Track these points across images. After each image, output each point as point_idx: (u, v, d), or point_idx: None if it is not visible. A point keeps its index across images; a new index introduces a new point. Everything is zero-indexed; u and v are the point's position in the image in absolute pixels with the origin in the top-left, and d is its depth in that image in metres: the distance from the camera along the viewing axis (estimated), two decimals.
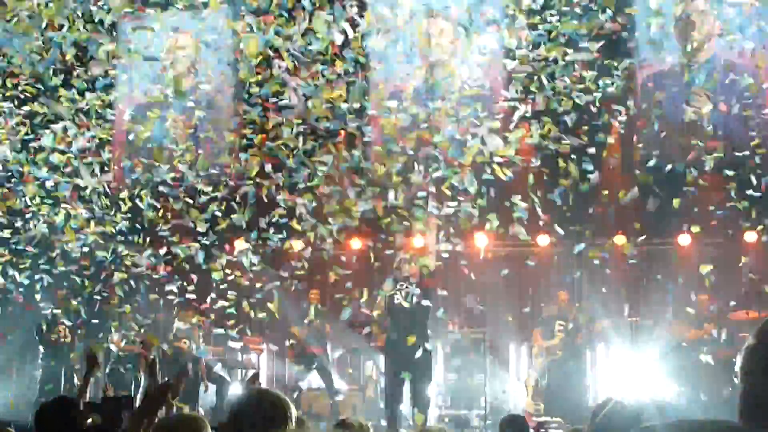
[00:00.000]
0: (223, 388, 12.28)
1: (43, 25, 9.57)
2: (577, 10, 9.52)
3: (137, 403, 4.27)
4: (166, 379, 4.35)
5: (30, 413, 10.68)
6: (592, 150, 9.76)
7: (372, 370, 12.33)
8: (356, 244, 12.56)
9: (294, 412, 3.05)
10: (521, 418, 6.61)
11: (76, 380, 11.45)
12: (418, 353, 9.68)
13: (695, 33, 11.99)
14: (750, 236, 11.44)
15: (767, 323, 1.79)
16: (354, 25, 9.42)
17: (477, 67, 10.53)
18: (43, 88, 10.06)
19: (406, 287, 9.80)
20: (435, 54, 12.00)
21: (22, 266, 10.77)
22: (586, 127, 10.09)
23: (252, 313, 11.01)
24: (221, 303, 10.75)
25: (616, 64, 10.05)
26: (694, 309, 11.20)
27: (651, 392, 10.90)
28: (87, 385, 5.26)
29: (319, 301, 12.42)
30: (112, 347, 11.87)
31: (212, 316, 11.66)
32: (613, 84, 9.78)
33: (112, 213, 10.53)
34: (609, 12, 9.48)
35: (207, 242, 10.23)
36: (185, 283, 10.79)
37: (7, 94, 10.24)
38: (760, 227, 10.77)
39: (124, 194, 10.76)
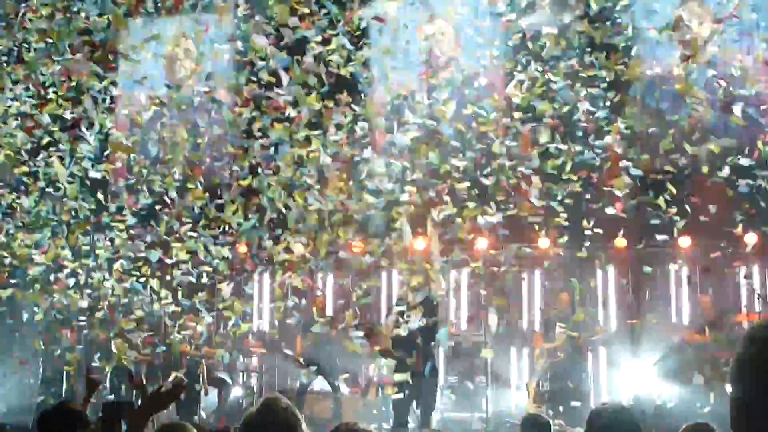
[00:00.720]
0: (224, 391, 12.30)
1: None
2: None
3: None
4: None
5: (28, 415, 10.78)
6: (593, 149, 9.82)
7: (374, 373, 12.34)
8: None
9: (304, 426, 3.03)
10: (544, 418, 6.61)
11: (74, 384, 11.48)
12: (425, 370, 9.75)
13: (693, 36, 12.00)
14: (750, 238, 11.44)
15: (754, 331, 1.80)
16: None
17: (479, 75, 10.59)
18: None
19: (407, 317, 9.78)
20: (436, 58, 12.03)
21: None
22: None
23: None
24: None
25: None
26: (695, 311, 11.23)
27: (651, 394, 10.93)
28: (86, 407, 5.15)
29: (324, 307, 12.46)
30: (114, 350, 11.85)
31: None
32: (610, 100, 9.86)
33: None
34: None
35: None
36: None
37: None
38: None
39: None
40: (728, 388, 1.85)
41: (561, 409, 11.11)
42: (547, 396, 11.37)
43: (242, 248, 10.81)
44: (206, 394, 11.93)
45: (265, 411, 3.01)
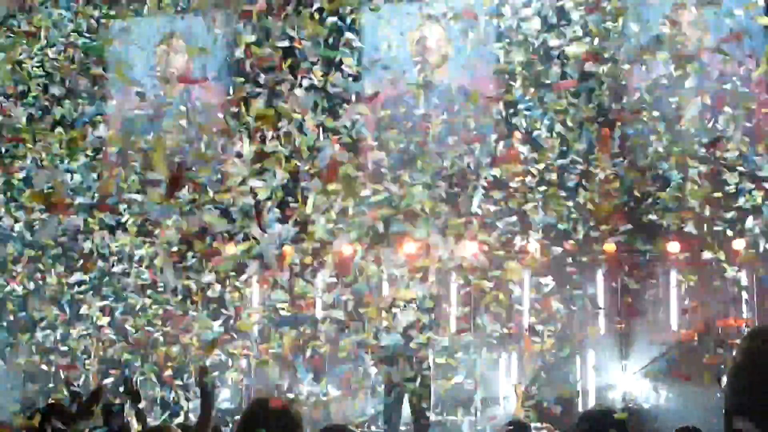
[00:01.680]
0: (212, 393, 12.24)
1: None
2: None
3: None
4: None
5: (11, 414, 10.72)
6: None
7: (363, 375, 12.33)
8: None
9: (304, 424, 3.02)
10: (525, 423, 6.64)
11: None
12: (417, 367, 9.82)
13: (685, 42, 12.07)
14: (738, 244, 11.49)
15: (752, 340, 1.78)
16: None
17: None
18: None
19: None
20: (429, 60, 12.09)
21: None
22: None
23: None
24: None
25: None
26: (683, 315, 11.29)
27: (638, 398, 10.98)
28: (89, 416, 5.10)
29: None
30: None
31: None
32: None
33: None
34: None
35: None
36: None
37: None
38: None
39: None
40: (719, 393, 1.83)
41: (550, 412, 11.14)
42: (535, 399, 11.40)
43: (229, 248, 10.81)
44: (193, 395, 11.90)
45: (262, 408, 2.99)
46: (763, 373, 1.74)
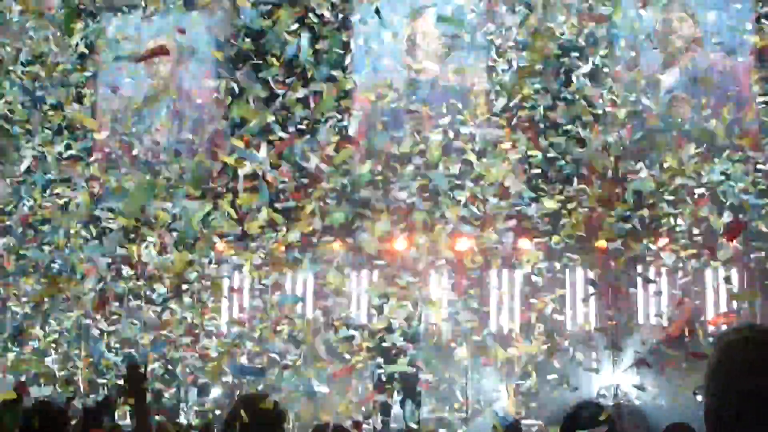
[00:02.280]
0: (205, 390, 12.28)
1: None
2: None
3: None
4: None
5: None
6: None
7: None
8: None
9: (287, 419, 3.05)
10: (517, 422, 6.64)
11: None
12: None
13: (675, 40, 12.11)
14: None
15: (728, 338, 1.76)
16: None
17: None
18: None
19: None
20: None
21: None
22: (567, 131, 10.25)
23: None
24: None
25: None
26: (671, 313, 11.34)
27: (627, 394, 11.03)
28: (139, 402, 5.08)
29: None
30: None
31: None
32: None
33: None
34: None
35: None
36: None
37: None
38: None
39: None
40: (700, 395, 1.82)
41: (540, 408, 11.18)
42: (526, 396, 11.44)
43: (220, 246, 10.85)
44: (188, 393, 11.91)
45: (246, 403, 3.01)
46: (738, 372, 1.73)
